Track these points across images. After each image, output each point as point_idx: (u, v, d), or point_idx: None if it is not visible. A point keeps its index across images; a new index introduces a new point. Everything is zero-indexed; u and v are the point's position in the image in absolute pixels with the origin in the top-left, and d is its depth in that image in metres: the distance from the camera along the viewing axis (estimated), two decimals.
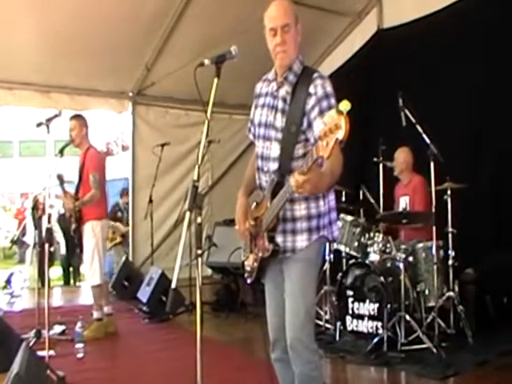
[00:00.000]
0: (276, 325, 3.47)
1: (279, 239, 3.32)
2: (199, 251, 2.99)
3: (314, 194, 3.17)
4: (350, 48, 9.66)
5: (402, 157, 6.87)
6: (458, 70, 7.41)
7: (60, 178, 6.30)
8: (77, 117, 6.91)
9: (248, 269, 3.53)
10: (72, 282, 12.91)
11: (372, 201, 6.91)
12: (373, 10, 9.30)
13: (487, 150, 7.16)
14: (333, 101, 3.21)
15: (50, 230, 6.07)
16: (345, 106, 2.46)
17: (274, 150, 3.38)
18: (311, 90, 3.26)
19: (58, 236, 12.72)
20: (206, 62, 3.18)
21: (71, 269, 12.97)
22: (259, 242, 3.38)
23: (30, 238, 11.53)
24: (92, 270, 6.64)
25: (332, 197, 3.47)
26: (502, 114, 6.99)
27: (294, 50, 3.38)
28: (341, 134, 2.43)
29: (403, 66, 8.21)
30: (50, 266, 5.90)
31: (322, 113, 3.17)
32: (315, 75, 3.32)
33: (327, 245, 6.05)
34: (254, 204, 3.53)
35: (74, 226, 6.67)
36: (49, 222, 10.28)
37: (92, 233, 6.59)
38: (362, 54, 9.41)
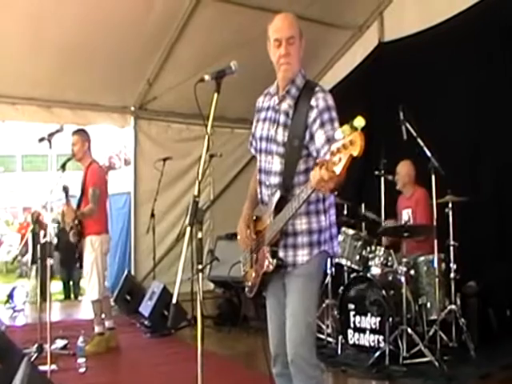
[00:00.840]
0: (277, 340, 3.47)
1: (280, 254, 3.32)
2: (200, 266, 2.99)
3: (332, 192, 3.02)
4: (352, 61, 9.69)
5: (404, 170, 6.88)
6: (459, 83, 7.43)
7: (65, 189, 6.32)
8: (79, 131, 6.92)
9: (249, 283, 3.53)
10: (72, 296, 12.89)
11: (373, 216, 6.89)
12: (374, 24, 9.33)
13: (488, 162, 7.16)
14: (334, 114, 3.22)
15: (49, 245, 6.10)
16: (359, 122, 2.41)
17: (276, 164, 3.39)
18: (313, 102, 3.27)
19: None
20: (206, 77, 3.20)
21: (71, 283, 12.96)
22: (260, 256, 3.38)
23: (29, 253, 11.56)
24: (91, 285, 6.63)
25: (333, 212, 3.47)
26: (502, 127, 6.99)
27: (297, 63, 3.40)
28: (356, 151, 2.41)
29: (404, 79, 8.23)
30: (50, 281, 5.88)
31: (323, 125, 3.19)
32: (317, 89, 3.34)
33: (328, 259, 6.04)
34: (254, 217, 3.54)
35: (75, 240, 6.68)
36: (45, 236, 10.37)
37: (91, 248, 6.60)
38: (363, 67, 9.44)
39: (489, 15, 7.19)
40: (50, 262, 5.90)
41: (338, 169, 2.51)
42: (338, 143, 2.48)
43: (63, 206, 6.79)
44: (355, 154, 2.41)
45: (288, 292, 3.37)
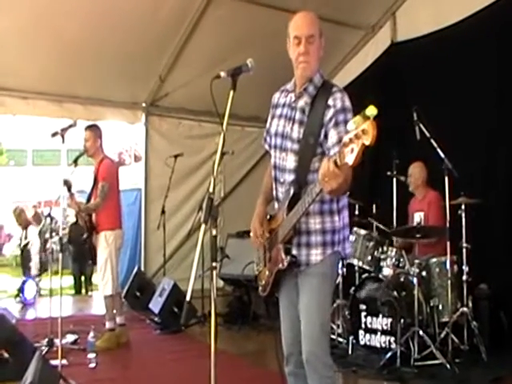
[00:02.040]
0: (290, 339, 3.46)
1: (294, 252, 3.31)
2: (214, 264, 2.98)
3: (334, 194, 3.02)
4: (364, 61, 9.66)
5: (417, 172, 6.85)
6: (473, 84, 7.37)
7: (67, 183, 6.31)
8: (91, 127, 6.93)
9: (262, 282, 3.52)
10: (84, 291, 12.91)
11: (378, 225, 6.88)
12: (387, 24, 9.29)
13: (502, 164, 7.11)
14: (350, 116, 3.20)
15: (60, 240, 6.13)
16: (371, 110, 2.38)
17: (290, 161, 3.38)
18: (330, 102, 3.26)
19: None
20: (223, 74, 3.17)
21: (83, 278, 12.97)
22: (274, 254, 3.37)
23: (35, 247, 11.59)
24: (105, 281, 6.64)
25: (346, 213, 3.47)
26: None
27: (316, 63, 3.38)
28: (368, 140, 2.37)
29: (417, 79, 8.20)
30: (61, 275, 5.90)
31: (337, 125, 3.18)
32: (335, 89, 3.33)
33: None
34: (268, 217, 3.52)
35: (85, 236, 6.69)
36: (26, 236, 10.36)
37: (105, 243, 6.61)
38: (375, 67, 9.40)
39: (503, 16, 7.13)
40: (60, 257, 5.93)
41: (350, 159, 2.48)
42: (351, 134, 2.46)
43: (67, 199, 6.79)
44: (367, 142, 2.38)
45: (301, 291, 3.36)
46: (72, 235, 12.01)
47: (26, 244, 11.21)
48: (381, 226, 6.85)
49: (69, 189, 6.41)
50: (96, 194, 6.67)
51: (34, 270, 10.94)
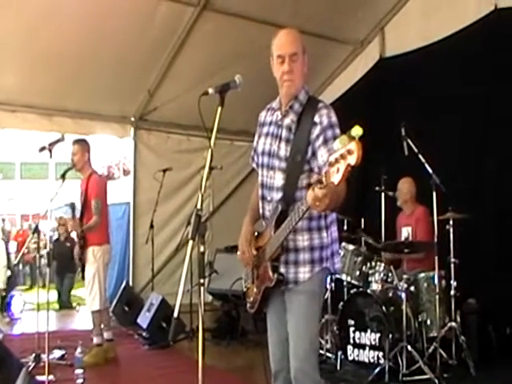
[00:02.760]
0: (278, 356, 3.45)
1: (282, 270, 3.30)
2: (201, 280, 2.97)
3: (326, 211, 3.00)
4: (352, 76, 9.69)
5: (405, 187, 6.87)
6: (460, 99, 7.42)
7: (72, 205, 6.35)
8: (79, 141, 6.90)
9: (250, 299, 3.51)
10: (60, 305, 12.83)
11: (368, 239, 6.87)
12: (375, 39, 9.35)
13: (489, 179, 7.15)
14: (337, 131, 3.21)
15: (48, 255, 6.12)
16: (357, 131, 2.41)
17: (278, 179, 3.38)
18: (316, 119, 3.27)
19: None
20: (210, 91, 3.18)
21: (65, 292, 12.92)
22: (261, 272, 3.37)
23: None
24: (92, 295, 6.60)
25: (334, 228, 3.47)
26: (503, 144, 6.99)
27: (300, 80, 3.39)
28: (353, 160, 2.39)
29: (405, 94, 8.24)
30: (48, 290, 5.88)
31: (326, 142, 3.18)
32: (320, 105, 3.34)
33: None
34: (256, 234, 3.52)
35: (78, 252, 6.67)
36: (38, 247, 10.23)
37: (93, 258, 6.58)
38: (364, 82, 9.44)
39: (490, 30, 7.20)
40: (47, 271, 5.92)
41: (336, 179, 2.50)
42: (336, 153, 2.48)
43: (71, 220, 6.78)
44: (353, 162, 2.41)
45: (289, 309, 3.35)
46: (55, 250, 12.01)
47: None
48: (370, 241, 6.84)
49: (73, 210, 6.42)
50: (88, 211, 6.63)
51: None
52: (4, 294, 10.51)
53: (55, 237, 12.76)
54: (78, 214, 6.67)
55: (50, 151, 5.76)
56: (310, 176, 3.26)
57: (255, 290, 3.44)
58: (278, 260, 3.30)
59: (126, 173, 25.42)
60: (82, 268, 6.74)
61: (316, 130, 3.25)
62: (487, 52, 7.24)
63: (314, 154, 3.25)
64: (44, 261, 10.76)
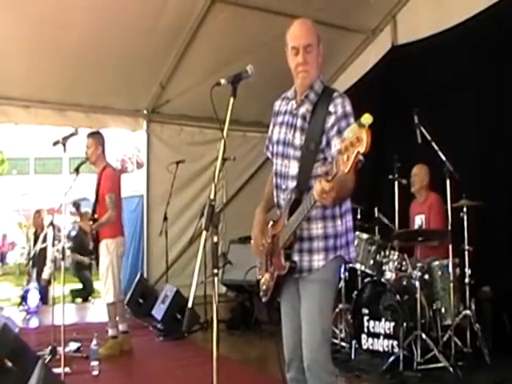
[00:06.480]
0: (292, 345, 3.46)
1: (295, 258, 3.30)
2: (215, 270, 2.98)
3: (333, 204, 3.10)
4: (365, 65, 9.66)
5: (422, 173, 6.82)
6: (473, 86, 7.38)
7: (76, 204, 6.33)
8: (93, 134, 6.91)
9: (263, 287, 3.51)
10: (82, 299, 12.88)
11: (386, 221, 6.84)
12: (387, 27, 9.30)
13: (503, 166, 7.10)
14: (352, 120, 3.21)
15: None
16: (367, 119, 2.43)
17: (293, 168, 3.38)
18: (331, 108, 3.27)
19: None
20: (223, 81, 3.18)
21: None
22: (275, 260, 3.37)
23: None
24: (106, 288, 6.64)
25: (349, 217, 3.46)
26: None
27: (315, 71, 3.40)
28: (362, 147, 2.41)
29: (418, 82, 8.20)
30: (64, 283, 5.92)
31: (340, 132, 3.18)
32: (335, 94, 3.34)
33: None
34: (271, 222, 3.52)
35: (91, 245, 6.70)
36: (44, 240, 10.24)
37: (106, 251, 6.60)
38: (376, 70, 9.40)
39: (503, 17, 7.13)
40: (63, 264, 5.94)
41: (345, 166, 2.52)
42: (346, 141, 2.51)
43: (79, 221, 6.80)
44: (362, 150, 2.42)
45: (303, 297, 3.36)
46: (77, 243, 12.05)
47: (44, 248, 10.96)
48: (386, 222, 6.80)
49: (77, 209, 6.42)
50: (101, 205, 6.65)
51: (45, 275, 10.74)
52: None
53: (74, 232, 12.74)
54: (85, 210, 6.66)
55: (64, 145, 5.77)
56: (324, 165, 3.25)
57: (268, 278, 3.44)
58: (291, 248, 3.30)
59: (139, 166, 25.47)
60: (97, 261, 6.76)
61: (331, 120, 3.26)
62: (499, 39, 7.18)
63: (328, 143, 3.26)
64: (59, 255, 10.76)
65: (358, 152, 2.44)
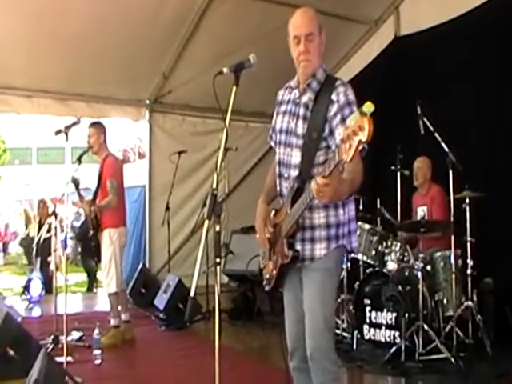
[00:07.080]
0: (294, 334, 3.47)
1: (298, 247, 3.31)
2: (218, 260, 2.98)
3: (333, 201, 3.14)
4: (367, 56, 9.63)
5: (425, 167, 6.82)
6: (475, 77, 7.36)
7: (75, 181, 6.26)
8: (95, 124, 6.92)
9: (266, 276, 3.52)
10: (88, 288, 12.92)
11: (388, 216, 6.82)
12: (390, 18, 9.28)
13: (506, 158, 7.09)
14: (355, 108, 3.20)
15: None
16: (368, 107, 2.41)
17: (295, 156, 3.38)
18: (334, 97, 3.26)
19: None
20: (225, 70, 3.18)
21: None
22: (278, 249, 3.38)
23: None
24: (109, 278, 6.65)
25: (352, 207, 3.47)
26: None
27: (317, 59, 3.39)
28: (364, 136, 2.40)
29: (420, 73, 8.18)
30: (66, 273, 5.92)
31: (343, 120, 3.16)
32: (338, 82, 3.33)
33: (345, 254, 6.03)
34: (273, 211, 3.53)
35: (91, 233, 6.69)
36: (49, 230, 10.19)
37: (109, 241, 6.61)
38: (379, 61, 9.38)
39: (507, 8, 7.10)
40: (66, 254, 5.94)
41: (348, 154, 2.51)
42: (348, 130, 2.50)
43: (77, 201, 6.77)
44: (364, 138, 2.41)
45: (305, 286, 3.37)
46: (82, 233, 12.03)
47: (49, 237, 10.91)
48: (389, 217, 6.80)
49: (77, 187, 6.39)
50: (102, 192, 6.66)
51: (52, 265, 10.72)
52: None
53: (79, 222, 12.73)
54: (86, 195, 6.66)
55: (66, 134, 5.76)
56: (327, 153, 3.25)
57: (271, 266, 3.45)
58: (293, 237, 3.31)
59: (141, 156, 25.51)
60: (96, 249, 6.74)
61: (333, 108, 3.25)
62: (503, 29, 7.15)
63: (331, 131, 3.25)
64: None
65: (360, 141, 2.43)
